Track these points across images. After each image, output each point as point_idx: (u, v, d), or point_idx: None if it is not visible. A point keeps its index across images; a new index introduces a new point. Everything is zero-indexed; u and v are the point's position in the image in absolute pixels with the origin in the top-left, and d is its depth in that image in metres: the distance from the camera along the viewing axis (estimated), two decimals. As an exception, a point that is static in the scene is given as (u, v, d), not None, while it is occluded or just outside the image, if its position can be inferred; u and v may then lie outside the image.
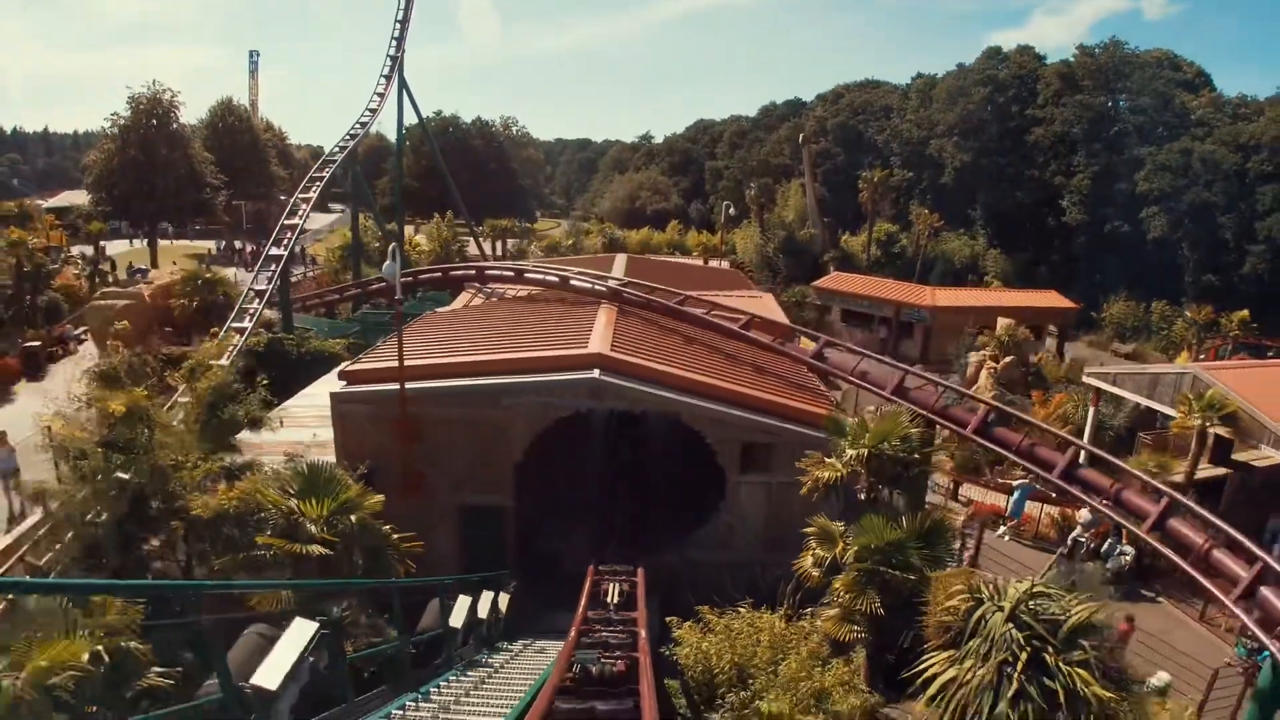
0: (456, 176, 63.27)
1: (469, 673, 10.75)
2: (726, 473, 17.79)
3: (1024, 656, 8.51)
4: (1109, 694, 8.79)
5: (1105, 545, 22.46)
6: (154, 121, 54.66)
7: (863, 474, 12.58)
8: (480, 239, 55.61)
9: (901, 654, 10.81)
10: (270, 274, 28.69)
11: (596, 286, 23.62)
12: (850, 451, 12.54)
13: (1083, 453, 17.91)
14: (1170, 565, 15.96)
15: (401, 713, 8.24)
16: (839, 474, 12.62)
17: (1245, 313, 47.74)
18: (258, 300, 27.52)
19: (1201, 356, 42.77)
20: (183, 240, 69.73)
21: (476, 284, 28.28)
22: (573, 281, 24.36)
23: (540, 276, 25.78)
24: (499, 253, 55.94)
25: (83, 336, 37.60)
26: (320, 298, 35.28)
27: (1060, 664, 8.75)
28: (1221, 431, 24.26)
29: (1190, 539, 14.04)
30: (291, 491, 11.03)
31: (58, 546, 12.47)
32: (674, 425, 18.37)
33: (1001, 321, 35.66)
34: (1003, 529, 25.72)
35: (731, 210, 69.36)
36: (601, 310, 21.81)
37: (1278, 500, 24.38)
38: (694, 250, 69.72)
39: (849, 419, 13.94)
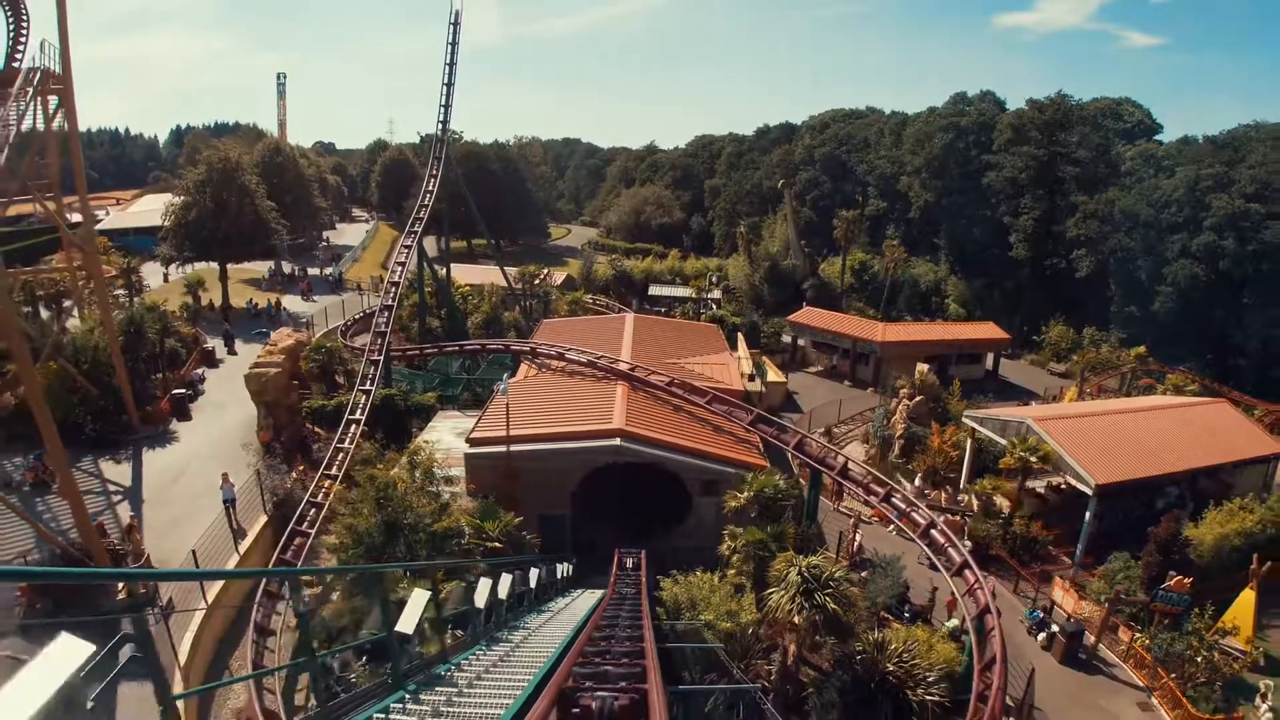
0: (477, 198, 73.90)
1: (560, 600, 23.39)
2: (693, 496, 31.13)
3: (798, 587, 21.37)
4: (838, 609, 21.49)
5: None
6: (225, 178, 64.28)
7: (753, 505, 25.71)
8: (510, 280, 67.86)
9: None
10: (379, 345, 41.52)
11: (615, 366, 37.19)
12: (747, 492, 25.75)
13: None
14: (993, 554, 29.72)
15: (537, 615, 20.98)
16: (741, 504, 25.83)
17: (1142, 348, 60.51)
18: (373, 369, 40.35)
19: (1087, 392, 55.28)
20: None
21: (530, 357, 41.74)
22: (598, 363, 37.87)
23: (576, 357, 39.37)
24: (523, 286, 68.05)
25: (204, 375, 48.35)
26: (403, 352, 47.84)
27: (818, 595, 21.55)
28: (1039, 466, 36.31)
29: (938, 541, 26.84)
30: (476, 517, 24.20)
31: (351, 553, 25.15)
32: (664, 468, 31.51)
33: (919, 367, 48.11)
34: (892, 525, 38.47)
35: (718, 283, 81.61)
36: (619, 387, 35.38)
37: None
38: (691, 276, 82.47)
39: (749, 473, 27.03)
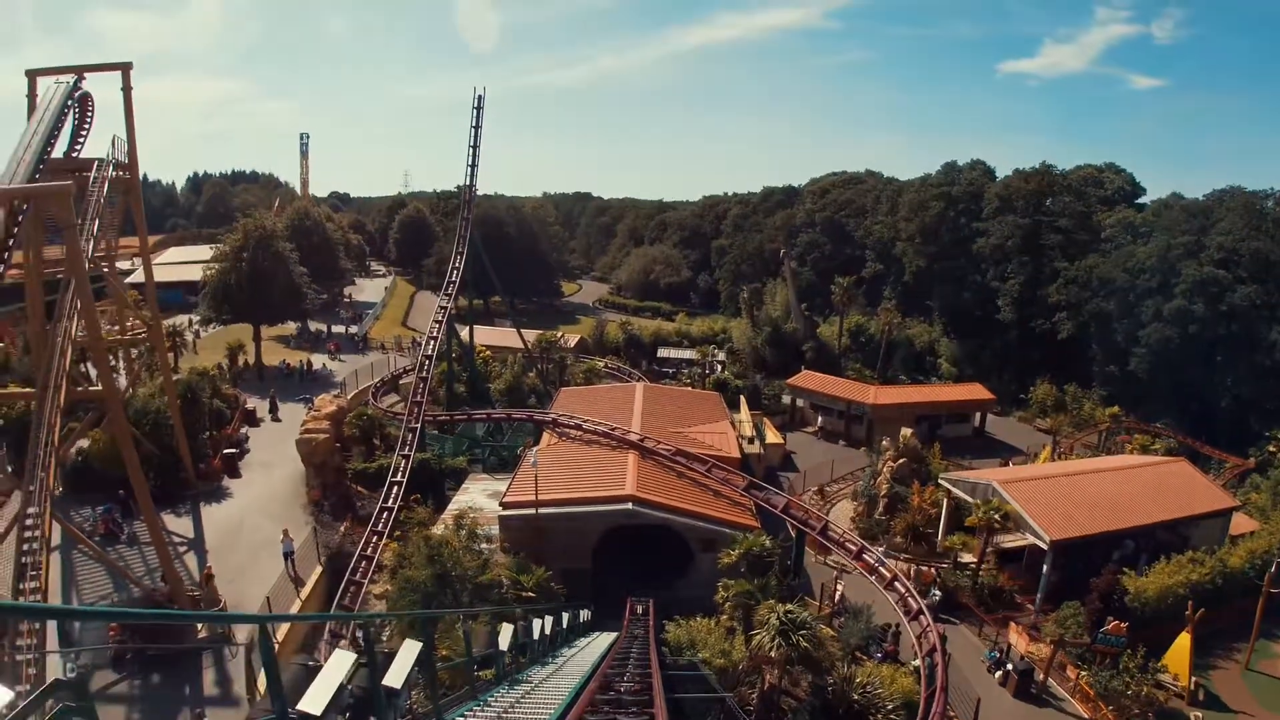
0: (493, 259, 77.44)
1: (583, 639, 28.53)
2: (694, 552, 36.54)
3: (776, 629, 26.64)
4: (809, 646, 26.74)
5: (927, 588, 40.24)
6: (261, 245, 69.91)
7: (743, 561, 31.19)
8: (528, 345, 73.49)
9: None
10: (415, 414, 47.20)
11: (626, 436, 42.99)
12: (736, 551, 31.25)
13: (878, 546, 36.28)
14: (961, 602, 35.17)
15: (569, 648, 26.25)
16: (733, 560, 31.30)
17: (1116, 408, 65.70)
18: (411, 435, 45.90)
19: (1060, 452, 60.47)
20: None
21: (551, 426, 47.45)
22: (613, 433, 43.67)
23: (592, 428, 45.25)
24: (540, 352, 73.69)
25: (247, 435, 53.08)
26: (434, 417, 53.14)
27: (792, 634, 26.80)
28: (1000, 525, 41.15)
29: (899, 590, 32.17)
30: (514, 571, 29.72)
31: (407, 600, 30.42)
32: (670, 528, 36.95)
33: (904, 431, 53.37)
34: (873, 576, 43.54)
35: (723, 345, 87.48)
36: (630, 456, 41.14)
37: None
38: (698, 339, 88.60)
39: (741, 533, 32.53)
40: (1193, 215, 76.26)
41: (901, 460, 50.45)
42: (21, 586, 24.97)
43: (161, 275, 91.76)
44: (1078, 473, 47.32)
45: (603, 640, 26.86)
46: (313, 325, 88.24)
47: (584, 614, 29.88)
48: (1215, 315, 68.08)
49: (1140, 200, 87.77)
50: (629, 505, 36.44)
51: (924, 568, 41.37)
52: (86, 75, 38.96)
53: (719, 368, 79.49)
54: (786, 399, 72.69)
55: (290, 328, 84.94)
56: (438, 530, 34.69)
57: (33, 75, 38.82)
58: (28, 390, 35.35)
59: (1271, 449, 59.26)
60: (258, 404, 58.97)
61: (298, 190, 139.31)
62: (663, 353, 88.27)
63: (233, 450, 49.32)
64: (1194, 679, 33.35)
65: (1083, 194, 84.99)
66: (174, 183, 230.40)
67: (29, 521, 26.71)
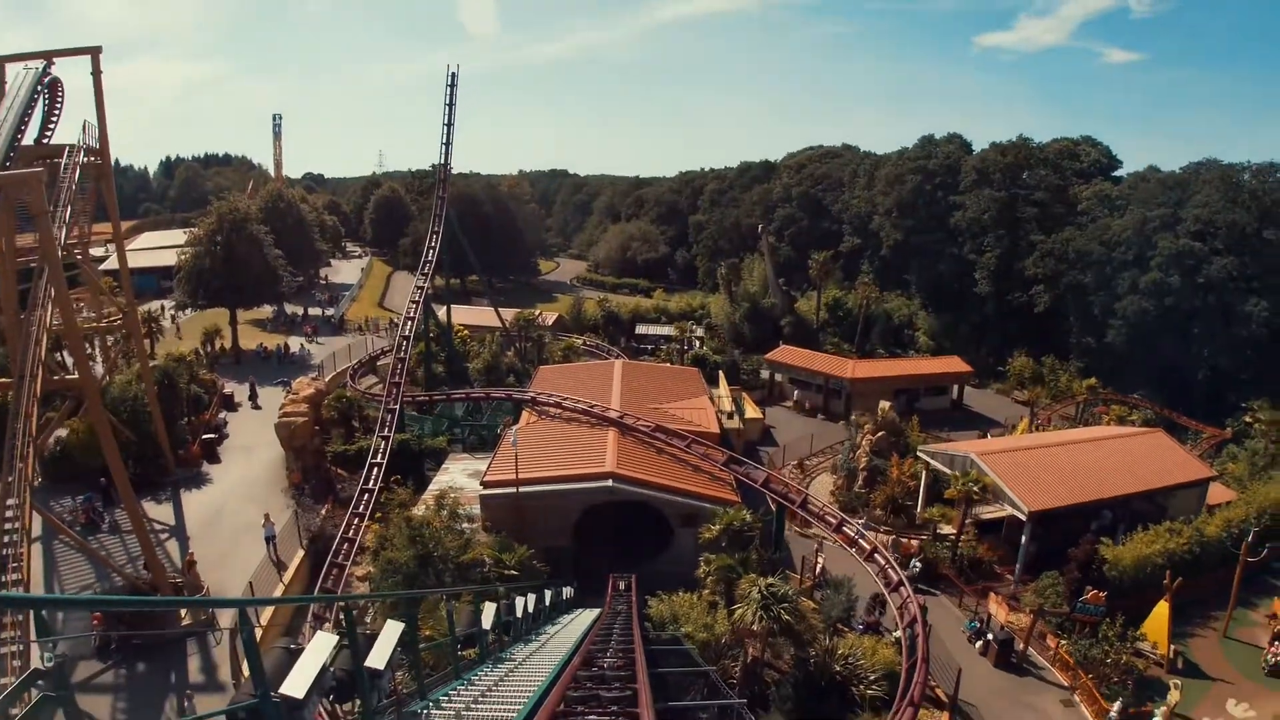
0: (470, 237, 77.46)
1: (566, 616, 28.81)
2: (675, 528, 36.81)
3: (758, 603, 26.98)
4: (790, 619, 27.10)
5: (907, 560, 40.71)
6: (235, 228, 69.00)
7: (724, 536, 31.49)
8: (506, 323, 73.57)
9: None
10: (394, 394, 47.20)
11: (606, 414, 43.10)
12: (717, 526, 31.54)
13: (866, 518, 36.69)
14: (942, 573, 35.60)
15: (552, 626, 26.50)
16: (714, 535, 31.60)
17: (1093, 380, 66.31)
18: (390, 416, 45.93)
19: (1038, 424, 61.13)
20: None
21: (531, 405, 47.56)
22: (592, 410, 43.82)
23: (572, 405, 45.33)
24: (518, 331, 73.78)
25: (225, 420, 53.05)
26: (413, 397, 53.07)
27: (774, 607, 27.15)
28: (979, 497, 41.65)
29: (879, 561, 32.58)
30: (496, 550, 29.90)
31: (390, 581, 30.60)
32: (650, 504, 37.21)
33: (881, 404, 53.78)
34: (854, 548, 44.00)
35: (701, 320, 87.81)
36: (610, 432, 41.27)
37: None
38: (676, 315, 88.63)
39: (722, 508, 32.82)
40: (1169, 188, 76.38)
41: (880, 433, 50.81)
42: (3, 579, 24.93)
43: (135, 261, 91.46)
44: (1055, 444, 47.71)
45: (586, 617, 27.12)
46: (289, 308, 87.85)
47: (566, 591, 30.13)
48: (1192, 287, 68.38)
49: (1116, 173, 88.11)
50: (609, 482, 36.69)
51: (904, 539, 41.81)
52: (55, 60, 38.55)
53: (697, 344, 79.82)
54: (765, 374, 73.02)
55: (266, 311, 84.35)
56: (419, 511, 34.84)
57: (1, 61, 38.33)
58: (3, 380, 35.11)
59: (1247, 420, 59.77)
60: (236, 388, 58.72)
61: (271, 172, 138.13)
62: (641, 329, 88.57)
63: (212, 435, 49.37)
64: (1173, 647, 33.82)
65: (1059, 167, 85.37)
66: (146, 167, 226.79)
67: (9, 513, 26.64)
